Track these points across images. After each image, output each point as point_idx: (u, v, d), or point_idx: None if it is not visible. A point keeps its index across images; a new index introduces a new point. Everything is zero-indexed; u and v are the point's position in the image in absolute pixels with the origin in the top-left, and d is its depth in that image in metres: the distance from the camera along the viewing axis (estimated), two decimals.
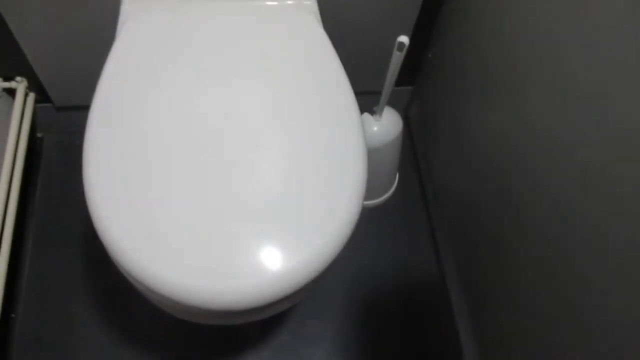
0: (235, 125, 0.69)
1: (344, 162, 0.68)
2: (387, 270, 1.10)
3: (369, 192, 1.10)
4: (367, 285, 1.08)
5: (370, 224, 1.13)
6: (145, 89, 0.71)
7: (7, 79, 1.04)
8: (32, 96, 1.08)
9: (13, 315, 0.99)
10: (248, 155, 0.67)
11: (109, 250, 0.61)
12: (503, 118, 0.82)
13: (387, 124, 0.98)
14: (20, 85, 1.04)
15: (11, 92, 1.06)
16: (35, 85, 1.06)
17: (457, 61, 0.98)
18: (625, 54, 0.54)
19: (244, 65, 0.75)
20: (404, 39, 0.80)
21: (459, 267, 1.03)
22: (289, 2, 0.84)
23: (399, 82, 0.92)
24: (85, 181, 0.64)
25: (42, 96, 1.10)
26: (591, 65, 0.60)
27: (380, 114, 0.97)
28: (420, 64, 1.14)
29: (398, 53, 0.82)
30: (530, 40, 0.72)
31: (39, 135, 1.18)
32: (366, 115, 0.98)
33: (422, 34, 1.06)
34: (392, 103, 0.99)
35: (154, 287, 0.59)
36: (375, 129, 0.97)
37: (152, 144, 0.67)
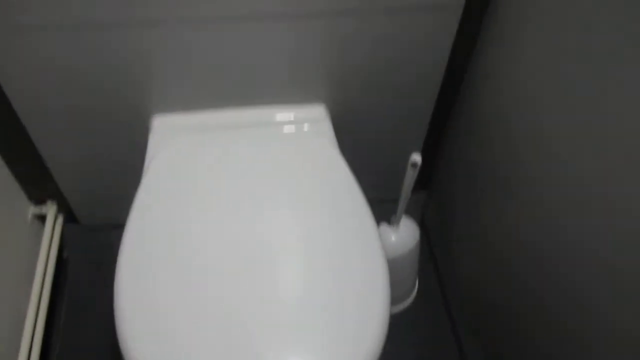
0: (260, 248, 0.72)
1: (365, 282, 0.69)
2: None
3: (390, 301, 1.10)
4: None
5: (392, 331, 1.12)
6: (174, 219, 0.75)
7: (38, 202, 1.09)
8: (60, 219, 1.12)
9: None
10: (275, 276, 0.69)
11: None
12: (517, 218, 0.84)
13: (404, 233, 1.00)
14: (50, 209, 1.09)
15: (41, 217, 1.10)
16: (63, 206, 1.11)
17: (469, 165, 1.02)
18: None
19: (266, 189, 0.79)
20: (417, 158, 0.84)
21: None
22: (305, 128, 0.89)
23: (413, 188, 0.95)
24: (118, 314, 0.66)
25: (69, 215, 1.14)
26: (604, 164, 0.62)
27: (398, 224, 1.00)
28: (433, 170, 1.18)
29: (412, 171, 0.86)
30: (539, 142, 0.75)
31: (65, 254, 1.22)
32: (383, 226, 1.00)
33: (433, 142, 1.11)
34: (408, 208, 1.02)
35: None
36: (393, 239, 0.99)
37: (182, 273, 0.69)
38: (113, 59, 0.82)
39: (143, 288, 0.68)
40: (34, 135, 0.93)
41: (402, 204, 0.95)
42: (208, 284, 0.68)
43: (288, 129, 0.89)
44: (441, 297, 1.19)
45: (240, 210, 0.76)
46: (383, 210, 0.98)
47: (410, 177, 0.88)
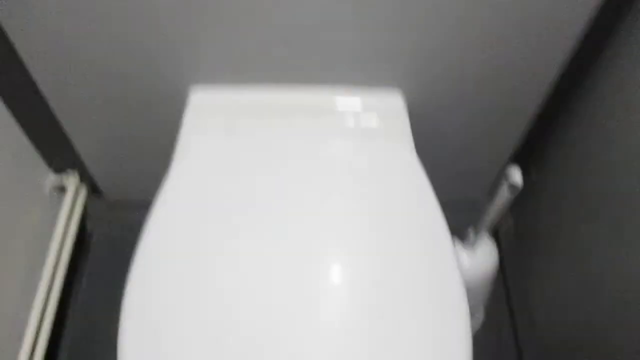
0: (302, 267, 0.57)
1: (440, 324, 0.53)
2: None
3: None
4: None
5: None
6: (203, 219, 0.60)
7: (59, 170, 0.96)
8: (83, 189, 0.99)
9: None
10: (316, 310, 0.54)
11: None
12: (615, 253, 0.65)
13: (481, 259, 0.82)
14: (70, 178, 0.96)
15: (62, 186, 0.97)
16: (86, 177, 0.98)
17: (562, 185, 0.82)
18: None
19: (318, 194, 0.63)
20: (517, 178, 0.65)
21: None
22: (375, 119, 0.71)
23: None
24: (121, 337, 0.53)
25: (93, 188, 1.01)
26: None
27: (474, 247, 0.81)
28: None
29: (508, 193, 0.67)
30: None
31: (88, 227, 1.10)
32: (457, 246, 0.82)
33: (528, 148, 0.91)
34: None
35: None
36: (467, 265, 0.81)
37: (202, 295, 0.55)
38: (146, 15, 0.65)
39: (154, 304, 0.55)
40: (54, 102, 0.79)
41: (485, 226, 0.76)
42: (231, 307, 0.54)
43: (353, 118, 0.71)
44: (510, 329, 1.01)
45: (284, 217, 0.60)
46: (455, 215, 0.79)
47: (503, 200, 0.69)
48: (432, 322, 0.54)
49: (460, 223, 0.81)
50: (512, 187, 0.65)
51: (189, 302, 0.55)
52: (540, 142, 0.91)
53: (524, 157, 0.93)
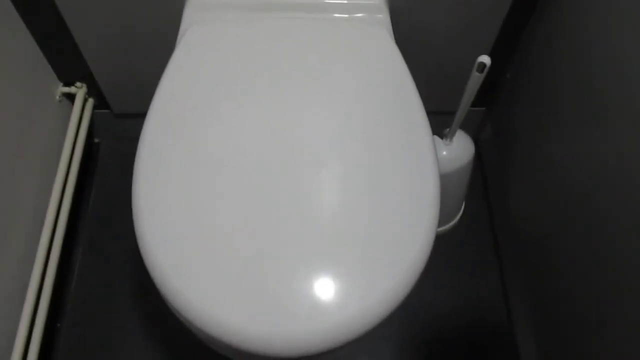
0: (297, 147, 0.64)
1: (415, 194, 0.61)
2: (447, 305, 1.02)
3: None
4: (425, 321, 1.00)
5: (432, 252, 1.05)
6: (202, 104, 0.67)
7: (68, 84, 1.03)
8: (90, 102, 1.06)
9: (59, 324, 0.97)
10: (310, 182, 0.61)
11: (157, 285, 0.56)
12: (590, 149, 0.73)
13: (457, 149, 0.90)
14: (79, 90, 1.03)
15: (71, 97, 1.04)
16: (94, 91, 1.05)
17: (539, 84, 0.89)
18: None
19: (309, 81, 0.69)
20: (485, 59, 0.72)
21: (530, 307, 0.94)
22: (359, 15, 0.78)
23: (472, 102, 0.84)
24: (135, 206, 0.60)
25: (101, 102, 1.08)
26: None
27: (451, 138, 0.89)
28: (496, 84, 1.05)
29: (477, 74, 0.75)
30: (621, 63, 0.63)
31: (96, 140, 1.17)
32: (436, 138, 0.90)
33: (501, 52, 0.98)
34: (462, 125, 0.91)
35: (201, 325, 0.54)
36: (445, 153, 0.89)
37: (206, 164, 0.62)
38: None
39: (163, 186, 0.61)
40: (63, 8, 0.85)
41: (460, 114, 0.84)
42: (233, 185, 0.61)
43: (339, 15, 0.78)
44: (488, 223, 1.10)
45: (276, 103, 0.67)
46: (436, 124, 0.87)
47: (474, 83, 0.77)
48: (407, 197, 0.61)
49: (438, 133, 0.89)
50: (481, 67, 0.73)
51: (194, 171, 0.62)
52: (515, 47, 0.98)
53: (499, 59, 1.00)
